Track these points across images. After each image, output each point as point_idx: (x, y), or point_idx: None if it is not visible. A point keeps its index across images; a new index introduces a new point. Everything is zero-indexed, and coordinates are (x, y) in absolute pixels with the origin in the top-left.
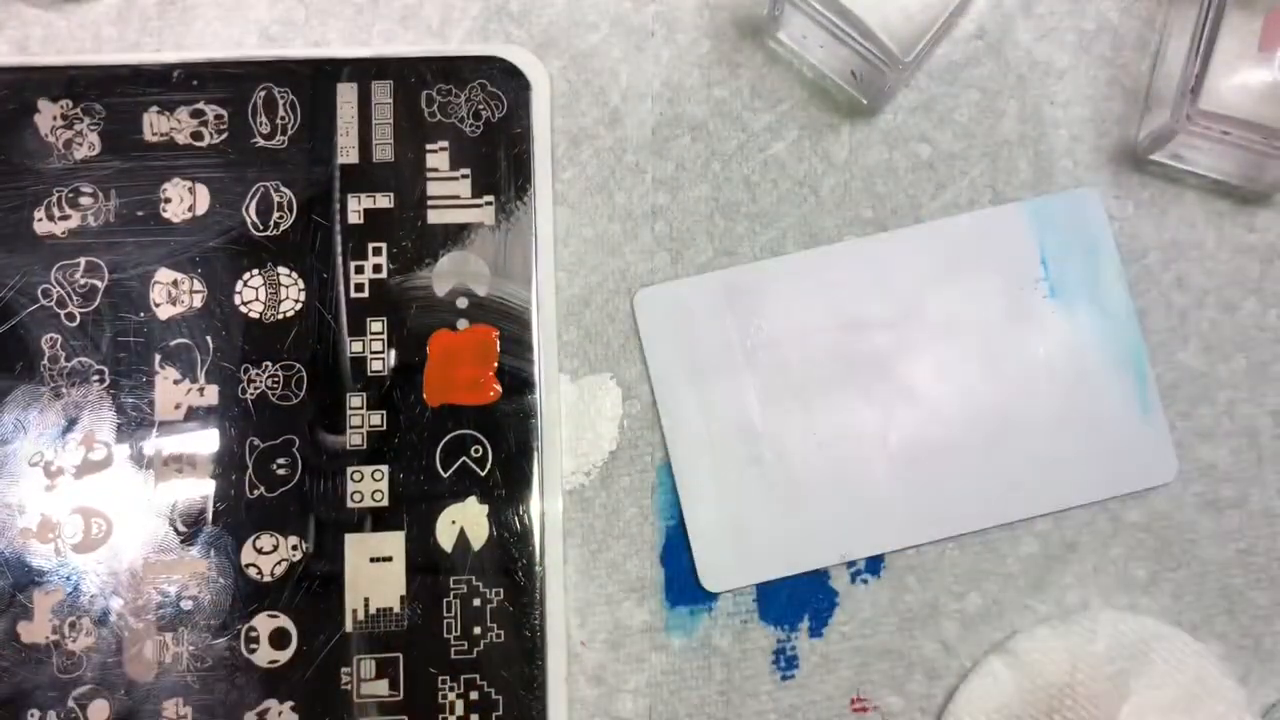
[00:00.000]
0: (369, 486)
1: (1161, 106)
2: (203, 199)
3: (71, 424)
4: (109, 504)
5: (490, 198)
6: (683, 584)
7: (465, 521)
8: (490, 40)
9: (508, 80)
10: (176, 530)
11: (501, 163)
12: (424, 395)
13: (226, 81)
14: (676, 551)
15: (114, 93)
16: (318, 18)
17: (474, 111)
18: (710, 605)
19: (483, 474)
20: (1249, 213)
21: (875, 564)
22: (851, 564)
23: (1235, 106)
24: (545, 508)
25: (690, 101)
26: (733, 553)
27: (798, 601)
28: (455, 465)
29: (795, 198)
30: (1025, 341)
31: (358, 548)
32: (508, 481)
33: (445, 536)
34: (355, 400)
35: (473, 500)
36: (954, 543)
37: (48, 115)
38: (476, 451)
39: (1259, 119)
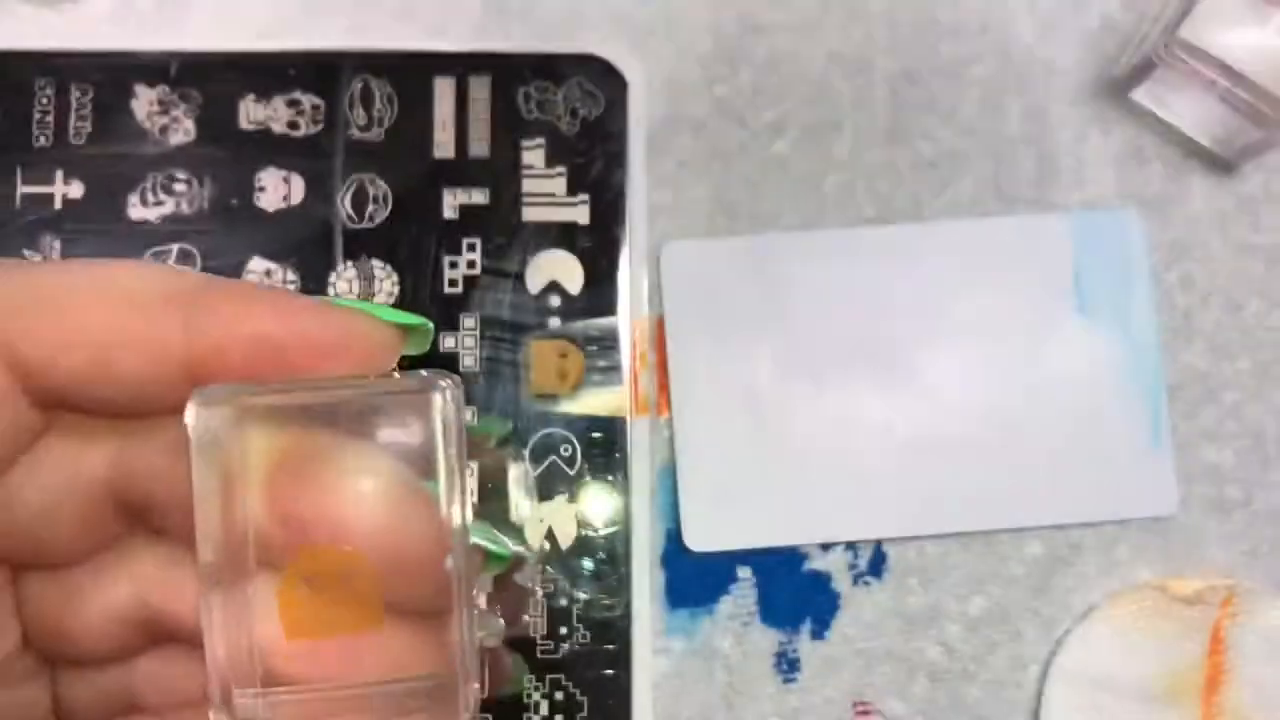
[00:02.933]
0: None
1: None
2: (298, 189)
3: None
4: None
5: (585, 196)
6: (684, 586)
7: (554, 521)
8: (490, 37)
9: (605, 79)
10: None
11: (598, 161)
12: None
13: (324, 72)
14: (677, 553)
15: (211, 79)
16: (315, 15)
17: (571, 109)
18: (711, 607)
19: (571, 473)
20: (1253, 213)
21: (877, 566)
22: (853, 566)
23: (1226, 56)
24: (634, 509)
25: (691, 99)
26: (720, 514)
27: (800, 603)
28: (544, 464)
29: (796, 196)
30: (1045, 354)
31: None
32: (596, 481)
33: (533, 536)
34: None
35: (561, 500)
36: (957, 544)
37: (144, 100)
38: (565, 450)
39: (1247, 72)
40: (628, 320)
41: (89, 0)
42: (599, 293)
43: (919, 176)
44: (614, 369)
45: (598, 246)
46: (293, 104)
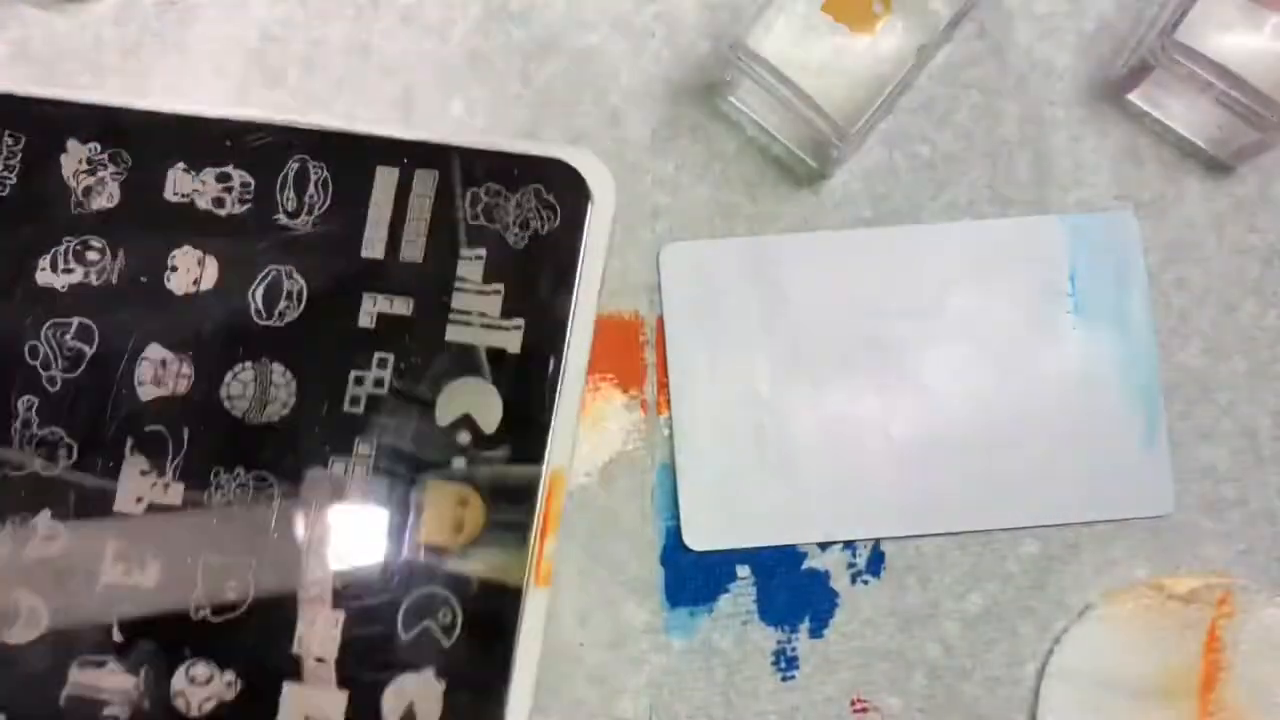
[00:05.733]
0: (321, 631)
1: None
2: (210, 273)
3: (28, 497)
4: (47, 593)
5: (520, 321)
6: (683, 584)
7: (417, 697)
8: (490, 38)
9: (567, 189)
10: (112, 637)
11: (542, 283)
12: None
13: (263, 149)
14: (677, 552)
15: (145, 142)
16: (318, 18)
17: (522, 220)
18: (711, 606)
19: (447, 646)
20: (1249, 214)
21: (876, 564)
22: (852, 564)
23: (1222, 58)
24: (512, 702)
25: (690, 102)
26: (720, 513)
27: (798, 602)
28: (417, 629)
29: (795, 199)
30: (1042, 355)
31: (295, 700)
32: (474, 661)
33: (391, 711)
34: None
35: (429, 674)
36: (954, 542)
37: (74, 157)
38: (445, 617)
39: (1243, 74)
40: (547, 475)
41: (93, 3)
42: (519, 436)
43: (916, 178)
44: (520, 528)
45: (525, 381)
46: (223, 178)
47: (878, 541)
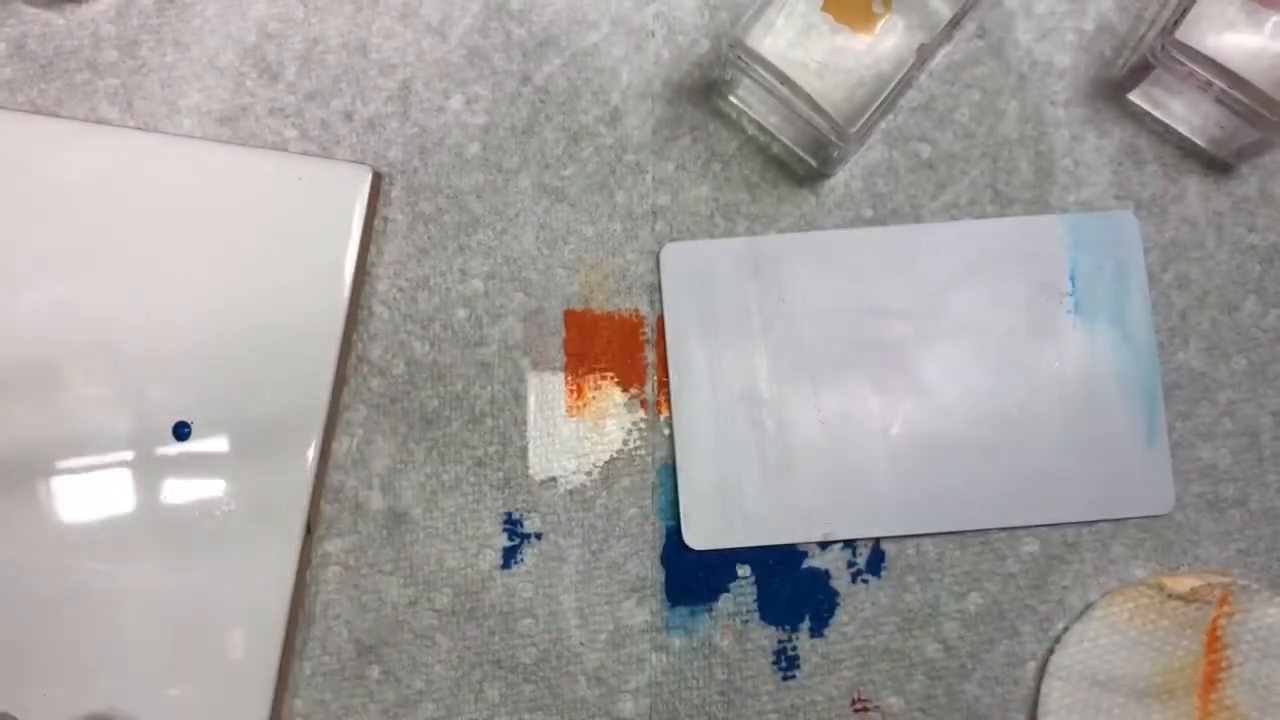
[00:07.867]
0: None
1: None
2: None
3: None
4: None
5: None
6: (683, 584)
7: None
8: (490, 36)
9: None
10: None
11: None
12: None
13: None
14: (677, 552)
15: None
16: (316, 14)
17: None
18: (711, 605)
19: None
20: (1249, 213)
21: (876, 564)
22: (852, 564)
23: (1222, 58)
24: None
25: (690, 102)
26: (720, 513)
27: (799, 602)
28: None
29: (795, 198)
30: (1042, 354)
31: None
32: None
33: None
34: None
35: None
36: (954, 542)
37: None
38: None
39: (1243, 74)
40: None
41: (91, 2)
42: None
43: (916, 178)
44: None
45: None
46: None
47: (878, 541)
